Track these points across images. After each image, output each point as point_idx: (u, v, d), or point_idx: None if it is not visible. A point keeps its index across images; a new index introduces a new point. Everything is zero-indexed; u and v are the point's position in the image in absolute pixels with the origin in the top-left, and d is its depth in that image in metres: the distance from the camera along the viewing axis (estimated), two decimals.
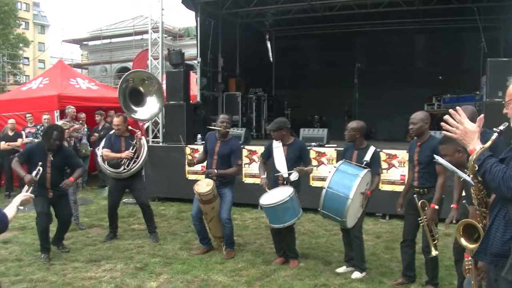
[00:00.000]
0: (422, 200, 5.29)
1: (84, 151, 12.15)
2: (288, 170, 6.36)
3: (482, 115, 2.96)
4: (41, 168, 6.33)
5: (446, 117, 2.93)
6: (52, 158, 6.66)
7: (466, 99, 13.44)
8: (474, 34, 13.86)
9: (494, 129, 2.82)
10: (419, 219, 5.32)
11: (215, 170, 6.73)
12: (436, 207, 5.20)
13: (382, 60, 17.21)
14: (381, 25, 16.57)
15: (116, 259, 6.66)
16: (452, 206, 4.85)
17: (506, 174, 2.66)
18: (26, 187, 5.68)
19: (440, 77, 16.05)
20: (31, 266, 6.40)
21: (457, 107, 2.94)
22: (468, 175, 2.96)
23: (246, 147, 10.17)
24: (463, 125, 2.86)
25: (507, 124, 2.86)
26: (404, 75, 16.71)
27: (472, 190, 3.01)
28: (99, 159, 8.00)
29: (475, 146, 2.81)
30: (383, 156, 8.97)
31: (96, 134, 12.60)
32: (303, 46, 19.25)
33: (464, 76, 15.36)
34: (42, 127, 11.37)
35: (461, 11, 14.38)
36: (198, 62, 13.85)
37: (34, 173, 6.28)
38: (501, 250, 2.79)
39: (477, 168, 2.80)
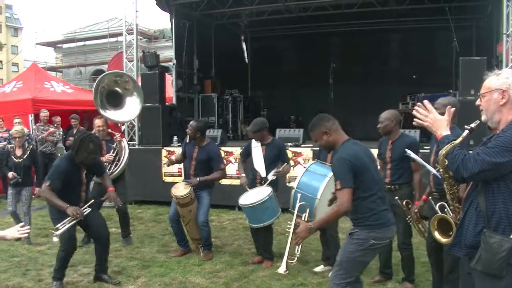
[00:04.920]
0: (406, 200, 5.30)
1: (59, 155, 11.96)
2: (267, 169, 6.42)
3: (453, 108, 3.08)
4: (89, 209, 5.59)
5: (417, 107, 3.06)
6: (86, 172, 5.78)
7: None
8: (446, 34, 14.02)
9: (466, 126, 2.91)
10: (406, 218, 5.33)
11: (197, 179, 6.70)
12: (421, 203, 5.18)
13: (357, 60, 17.35)
14: (356, 25, 16.71)
15: (93, 263, 6.53)
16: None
17: (466, 156, 2.78)
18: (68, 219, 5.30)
19: (414, 76, 16.20)
20: (6, 272, 6.31)
21: (425, 101, 3.08)
22: (438, 170, 3.03)
23: (223, 148, 10.15)
24: (433, 113, 2.99)
25: (478, 122, 2.94)
26: (379, 74, 16.87)
27: (445, 186, 3.08)
28: None
29: (443, 133, 2.94)
30: None
31: (71, 138, 12.43)
32: (278, 47, 19.36)
33: (437, 75, 15.53)
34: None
35: (433, 11, 14.61)
36: (173, 64, 13.82)
37: (83, 208, 5.53)
38: (474, 241, 2.87)
39: (446, 163, 2.88)
